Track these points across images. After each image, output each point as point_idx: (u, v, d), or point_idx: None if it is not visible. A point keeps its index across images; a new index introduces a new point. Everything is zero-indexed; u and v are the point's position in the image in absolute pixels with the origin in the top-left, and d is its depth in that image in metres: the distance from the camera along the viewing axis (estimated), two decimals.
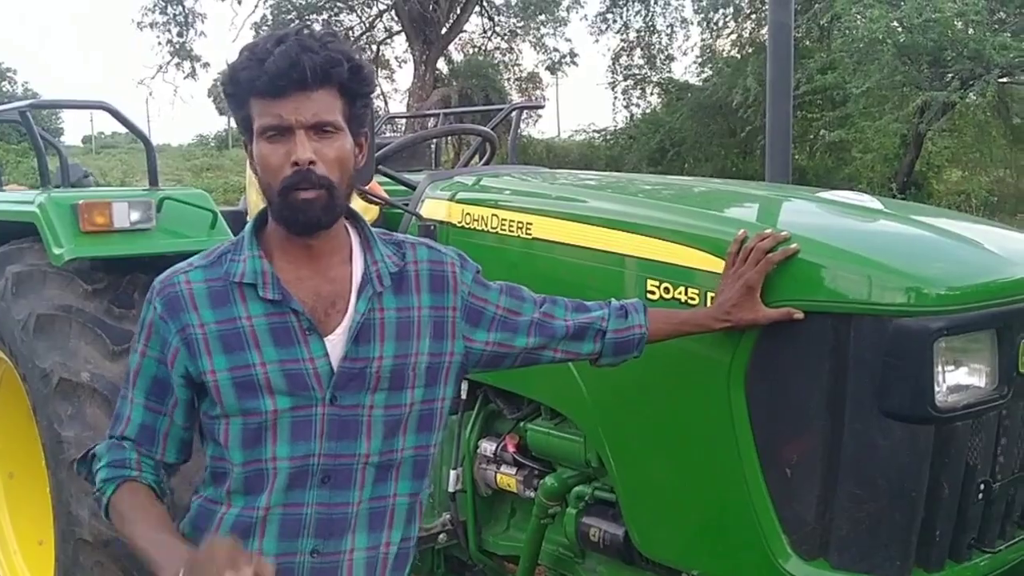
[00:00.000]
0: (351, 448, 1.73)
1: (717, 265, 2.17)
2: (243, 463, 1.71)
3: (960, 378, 2.05)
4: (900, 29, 16.03)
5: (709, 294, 2.19)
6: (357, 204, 4.17)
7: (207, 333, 1.70)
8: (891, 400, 1.99)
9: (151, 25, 25.49)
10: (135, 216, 3.33)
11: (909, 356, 1.97)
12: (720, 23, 21.84)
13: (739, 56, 20.82)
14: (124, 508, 1.72)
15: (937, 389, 1.99)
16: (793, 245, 2.08)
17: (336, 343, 1.72)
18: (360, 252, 1.79)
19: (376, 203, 3.29)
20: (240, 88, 1.67)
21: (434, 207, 3.04)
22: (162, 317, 1.73)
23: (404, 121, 17.19)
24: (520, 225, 2.73)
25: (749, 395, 2.16)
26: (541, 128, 35.41)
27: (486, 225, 2.84)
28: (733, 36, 21.69)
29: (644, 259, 2.36)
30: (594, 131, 25.51)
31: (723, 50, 21.94)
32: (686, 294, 2.25)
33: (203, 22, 26.30)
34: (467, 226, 2.90)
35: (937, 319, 1.98)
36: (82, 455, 1.85)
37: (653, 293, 2.31)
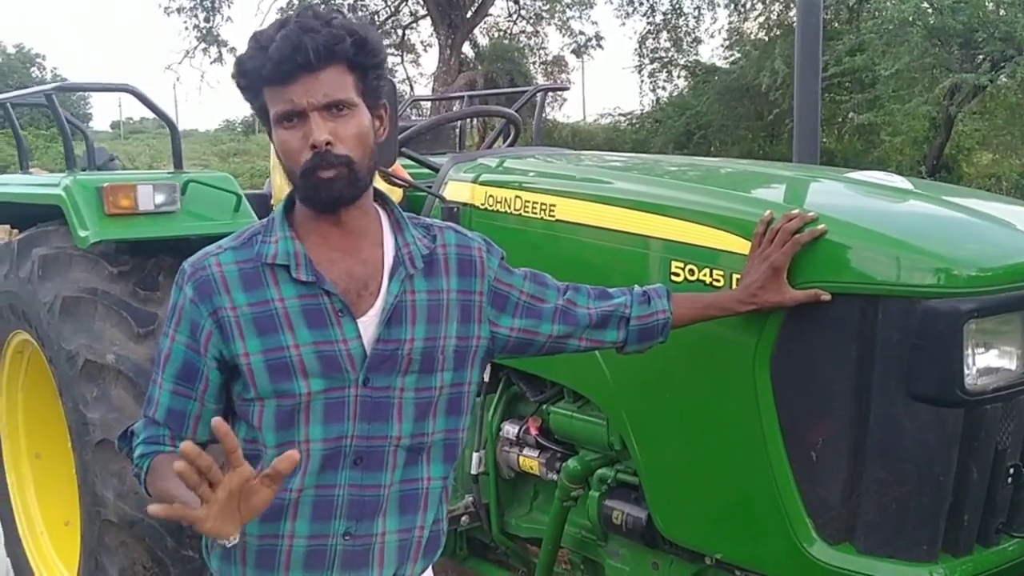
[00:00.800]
0: (383, 430, 1.73)
1: (743, 246, 2.15)
2: (276, 445, 1.70)
3: (990, 360, 2.00)
4: (930, 10, 15.80)
5: (735, 276, 2.16)
6: (380, 186, 4.18)
7: (239, 316, 1.69)
8: (919, 383, 1.96)
9: (178, 10, 25.52)
10: (160, 199, 3.34)
11: (938, 338, 1.94)
12: (748, 5, 21.62)
13: (767, 38, 20.60)
14: (157, 473, 1.70)
15: (967, 372, 1.95)
16: (820, 226, 2.05)
17: (369, 325, 1.72)
18: (391, 234, 1.79)
19: (399, 185, 3.28)
20: (250, 79, 1.68)
21: (457, 189, 3.03)
22: (193, 301, 1.72)
23: (429, 105, 17.18)
24: (544, 207, 2.71)
25: (774, 377, 2.13)
26: (567, 112, 35.35)
27: (509, 207, 2.82)
28: (761, 18, 21.47)
29: (668, 240, 2.33)
30: (620, 115, 25.38)
31: (751, 32, 21.73)
32: (711, 276, 2.22)
33: (230, 7, 26.24)
34: (490, 208, 2.89)
35: (967, 301, 1.94)
36: (122, 432, 1.87)
37: (677, 275, 2.29)
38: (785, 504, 2.13)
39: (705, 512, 2.35)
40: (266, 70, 1.63)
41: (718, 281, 2.21)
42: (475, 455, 2.99)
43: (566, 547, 2.84)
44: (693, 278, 2.25)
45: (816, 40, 3.31)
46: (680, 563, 2.49)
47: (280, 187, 3.94)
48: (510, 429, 2.92)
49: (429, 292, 1.77)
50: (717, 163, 3.32)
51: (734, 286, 2.16)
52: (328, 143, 1.64)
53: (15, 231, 4.37)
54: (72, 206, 3.34)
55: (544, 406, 2.85)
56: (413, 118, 5.39)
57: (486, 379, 2.97)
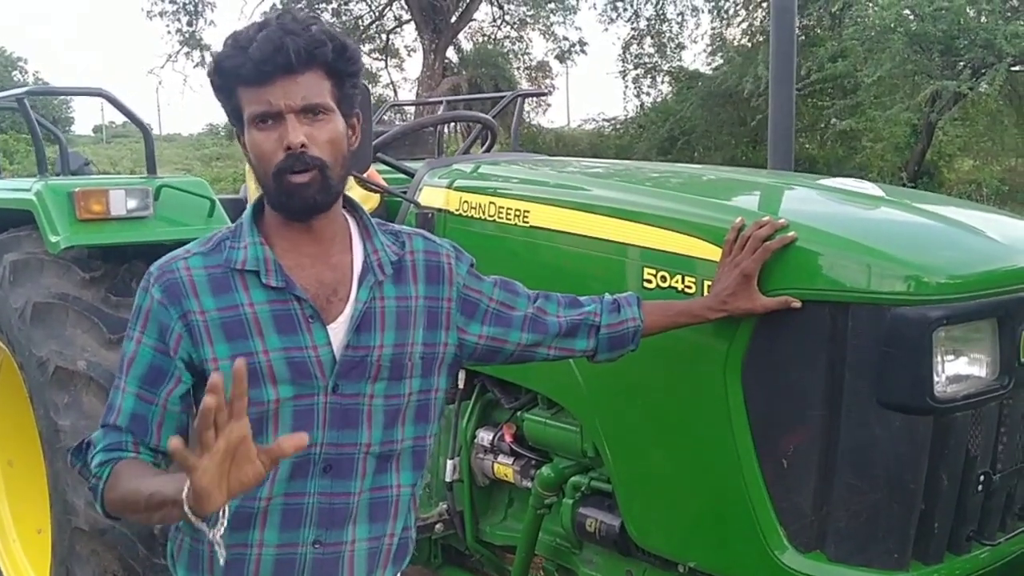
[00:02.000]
0: (352, 437, 1.72)
1: (714, 253, 2.14)
2: None
3: (960, 368, 2.01)
4: (912, 17, 15.92)
5: (706, 282, 2.16)
6: (356, 192, 4.16)
7: (208, 320, 1.67)
8: (889, 390, 1.96)
9: (160, 14, 25.46)
10: (132, 204, 3.31)
11: (908, 346, 1.94)
12: (731, 11, 21.72)
13: (750, 45, 20.71)
14: (122, 477, 1.66)
15: (936, 379, 1.95)
16: (791, 233, 2.05)
17: (338, 331, 1.71)
18: (359, 240, 1.78)
19: (374, 191, 3.27)
20: (226, 78, 1.66)
21: (432, 195, 3.01)
22: (162, 303, 1.69)
23: (412, 109, 17.14)
24: (518, 213, 2.70)
25: (746, 385, 2.13)
26: (551, 117, 35.34)
27: (484, 213, 2.81)
28: (744, 25, 21.58)
29: (641, 247, 2.33)
30: (604, 120, 25.47)
31: (734, 39, 21.84)
32: (683, 283, 2.22)
33: (212, 11, 26.22)
34: (465, 214, 2.87)
35: (937, 308, 1.94)
36: (76, 445, 1.80)
37: (650, 282, 2.28)
38: (757, 512, 2.13)
39: (678, 520, 2.35)
40: (245, 69, 1.62)
41: (690, 288, 2.20)
42: (449, 462, 2.97)
43: (540, 555, 2.82)
44: (665, 285, 2.25)
45: (790, 44, 3.32)
46: (654, 571, 2.48)
47: (254, 192, 3.92)
48: (485, 436, 2.90)
49: (398, 299, 1.76)
50: (692, 170, 3.32)
51: (706, 293, 2.15)
52: (303, 145, 1.63)
53: None
54: (43, 211, 3.31)
55: (519, 413, 2.83)
56: (396, 123, 5.36)
57: (461, 385, 2.96)
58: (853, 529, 2.06)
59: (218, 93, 1.70)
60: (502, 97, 4.64)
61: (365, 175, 2.98)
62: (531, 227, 2.66)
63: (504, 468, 2.84)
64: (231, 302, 1.68)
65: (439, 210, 2.95)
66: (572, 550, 2.72)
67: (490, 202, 2.81)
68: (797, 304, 2.02)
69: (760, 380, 2.12)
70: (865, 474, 2.02)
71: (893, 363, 1.95)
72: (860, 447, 2.02)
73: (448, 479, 2.97)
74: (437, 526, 3.01)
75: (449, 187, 2.97)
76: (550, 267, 2.57)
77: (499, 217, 2.76)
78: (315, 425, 1.69)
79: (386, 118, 6.49)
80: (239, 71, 1.63)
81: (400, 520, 1.82)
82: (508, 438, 2.84)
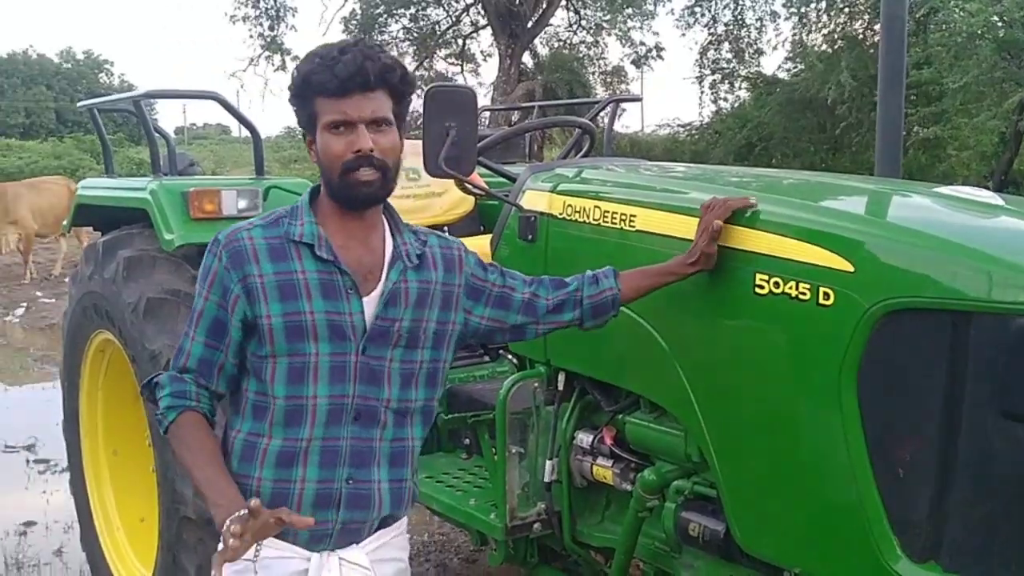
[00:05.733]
0: (376, 393, 2.06)
1: (831, 260, 2.14)
2: (286, 397, 2.01)
3: None
4: (1000, 24, 15.50)
5: (821, 289, 2.15)
6: (455, 195, 4.22)
7: (265, 283, 2.01)
8: (1012, 401, 1.94)
9: (243, 19, 25.95)
10: (243, 204, 3.42)
11: None
12: (812, 17, 21.40)
13: (831, 51, 20.38)
14: (185, 436, 2.04)
15: None
16: (753, 199, 2.34)
17: (370, 304, 2.05)
18: (390, 234, 2.14)
19: (476, 194, 3.31)
20: (310, 89, 2.00)
21: (535, 198, 3.04)
22: (227, 267, 2.03)
23: (488, 115, 17.21)
24: (624, 217, 2.72)
25: (861, 391, 2.11)
26: (625, 123, 35.15)
27: (588, 217, 2.84)
28: (825, 30, 21.23)
29: (753, 252, 2.33)
30: (679, 125, 25.25)
31: (815, 44, 21.49)
32: (797, 289, 2.21)
33: (294, 16, 26.71)
34: (568, 217, 2.90)
35: None
36: (146, 382, 2.16)
37: (762, 287, 2.28)
38: (869, 520, 2.11)
39: (786, 526, 2.34)
40: (331, 84, 1.96)
41: (804, 295, 2.19)
42: (548, 463, 2.99)
43: (639, 558, 2.83)
44: (779, 291, 2.24)
45: (900, 52, 3.28)
46: None
47: None
48: (584, 438, 2.91)
49: (419, 282, 2.11)
50: (800, 175, 3.28)
51: (820, 300, 2.15)
52: (371, 150, 1.98)
53: (96, 233, 4.48)
54: (158, 210, 3.43)
55: (620, 416, 2.85)
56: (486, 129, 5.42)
57: (560, 387, 2.99)
58: (970, 540, 2.03)
59: (296, 99, 2.04)
60: (592, 103, 4.66)
61: (469, 178, 3.02)
62: (637, 231, 2.67)
63: (603, 470, 2.85)
64: (287, 268, 2.02)
65: (542, 213, 2.98)
66: (672, 554, 2.72)
67: (595, 206, 2.83)
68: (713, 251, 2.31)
69: (876, 386, 2.10)
70: (984, 485, 2.00)
71: (1017, 373, 1.93)
72: (980, 457, 1.99)
73: (546, 479, 3.00)
74: (535, 525, 3.03)
75: (552, 191, 3.00)
76: None
77: (604, 221, 2.78)
78: (347, 379, 2.03)
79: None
80: (325, 85, 1.97)
81: (411, 468, 2.16)
82: (608, 440, 2.85)
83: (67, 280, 4.35)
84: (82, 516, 4.38)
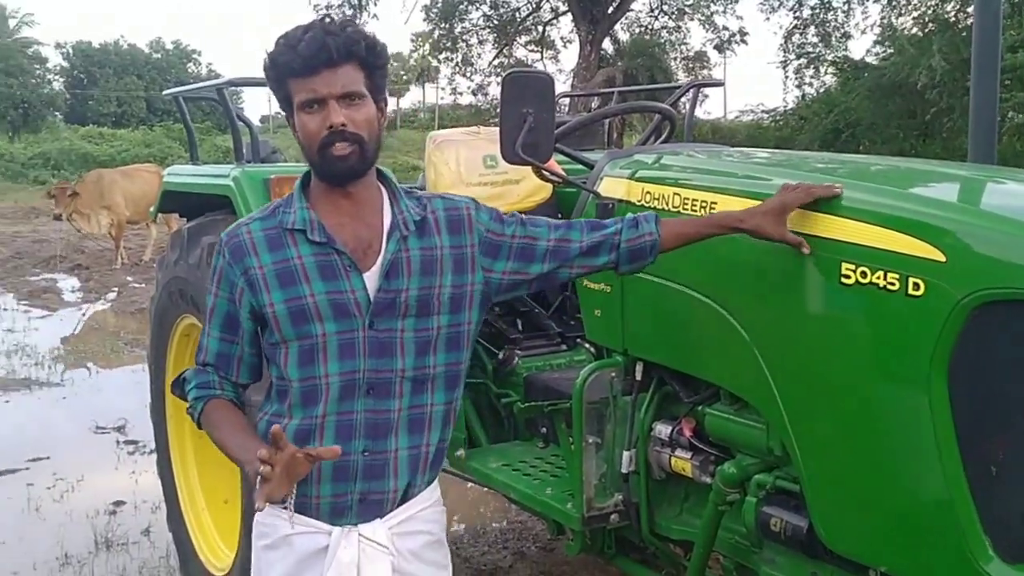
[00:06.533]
0: (389, 364, 2.08)
1: (919, 248, 2.06)
2: (300, 379, 2.07)
3: None
4: None
5: (911, 279, 2.07)
6: (533, 182, 4.19)
7: (265, 273, 2.07)
8: None
9: (327, 7, 26.29)
10: None
11: None
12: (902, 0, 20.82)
13: (922, 34, 19.79)
14: (214, 418, 2.14)
15: None
16: (838, 187, 2.24)
17: (372, 278, 2.07)
18: (389, 205, 2.15)
19: (553, 181, 3.28)
20: (279, 71, 2.03)
21: (612, 185, 3.01)
22: (229, 263, 2.11)
23: (568, 101, 17.12)
24: (704, 204, 2.66)
25: (952, 386, 2.03)
26: (707, 108, 34.72)
27: (667, 204, 2.79)
28: (916, 13, 20.63)
29: (839, 241, 2.25)
30: (762, 111, 24.81)
31: (904, 28, 20.90)
32: (885, 279, 2.13)
33: (376, 4, 26.93)
34: (647, 205, 2.85)
35: None
36: (175, 379, 2.27)
37: (848, 277, 2.21)
38: (959, 519, 2.04)
39: (871, 523, 2.27)
40: (296, 64, 1.99)
41: (892, 285, 2.12)
42: (626, 454, 2.96)
43: (718, 551, 2.79)
44: (866, 281, 2.17)
45: (995, 36, 3.15)
46: (841, 574, 2.40)
47: (433, 182, 4.00)
48: (662, 429, 2.87)
49: (422, 249, 2.12)
50: (890, 161, 3.18)
51: (910, 291, 2.08)
52: (343, 124, 1.99)
53: (183, 220, 4.57)
54: (240, 197, 3.48)
55: (699, 407, 2.80)
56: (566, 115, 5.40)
57: (638, 378, 2.95)
58: None
59: (271, 84, 2.06)
60: (672, 88, 4.58)
61: (546, 165, 2.99)
62: None
63: (682, 462, 2.81)
64: (283, 256, 2.07)
65: (620, 200, 2.94)
66: (752, 548, 2.67)
67: (674, 193, 2.78)
68: (807, 250, 2.23)
69: (968, 381, 2.03)
70: None
71: None
72: None
73: (624, 470, 2.96)
74: (612, 516, 3.00)
75: (631, 178, 2.96)
76: (737, 260, 2.52)
77: (684, 208, 2.73)
78: (357, 354, 2.06)
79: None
80: (291, 65, 2.00)
81: (435, 433, 2.16)
82: (687, 432, 2.80)
83: (155, 265, 4.44)
84: (168, 497, 4.48)
